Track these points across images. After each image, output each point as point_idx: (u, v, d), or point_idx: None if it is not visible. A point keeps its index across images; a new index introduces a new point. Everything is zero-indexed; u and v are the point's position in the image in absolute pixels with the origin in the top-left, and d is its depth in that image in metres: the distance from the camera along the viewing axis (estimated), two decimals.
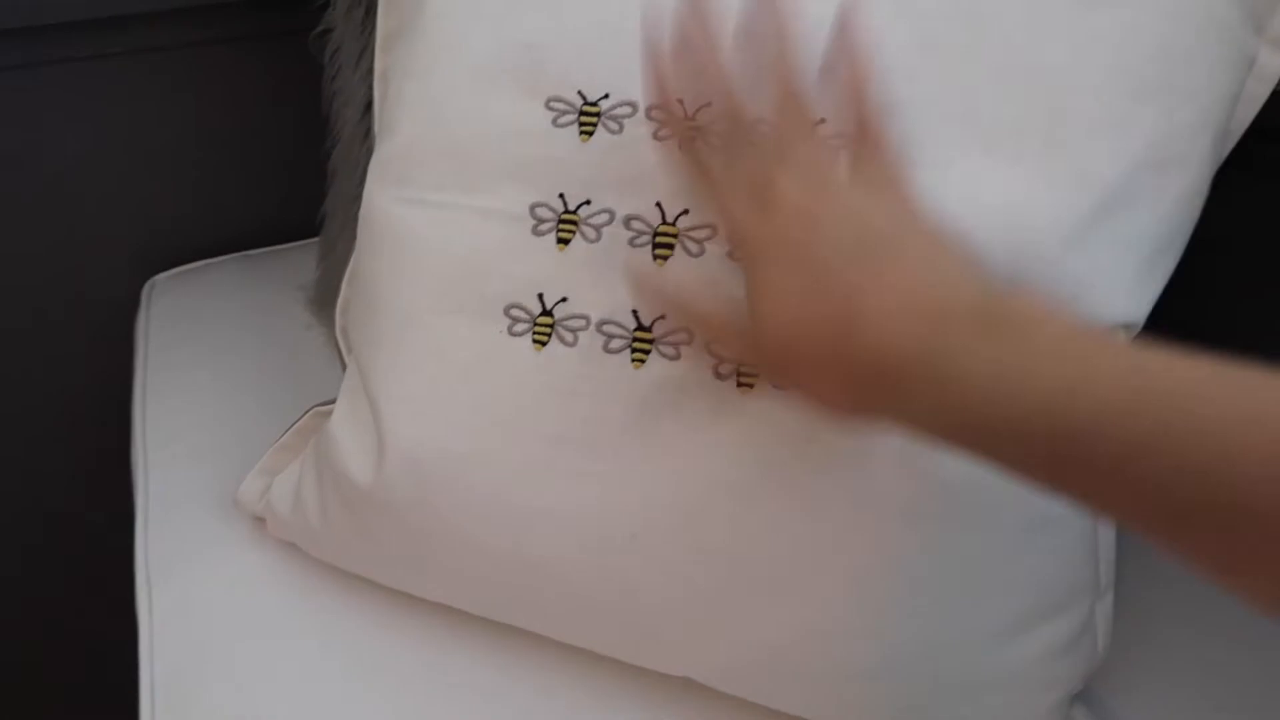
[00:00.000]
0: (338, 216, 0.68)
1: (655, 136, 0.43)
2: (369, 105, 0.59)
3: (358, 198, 0.56)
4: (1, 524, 0.91)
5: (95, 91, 0.77)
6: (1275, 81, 0.46)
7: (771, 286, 0.35)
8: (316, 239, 0.78)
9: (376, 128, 0.54)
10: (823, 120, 0.38)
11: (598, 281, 0.45)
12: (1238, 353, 0.29)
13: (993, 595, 0.44)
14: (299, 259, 0.81)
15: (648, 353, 0.44)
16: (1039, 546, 0.44)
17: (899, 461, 0.42)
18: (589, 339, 0.44)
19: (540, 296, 0.45)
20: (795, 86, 0.37)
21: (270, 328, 0.75)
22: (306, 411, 0.58)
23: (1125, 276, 0.43)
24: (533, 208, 0.46)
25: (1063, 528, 0.44)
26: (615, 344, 0.44)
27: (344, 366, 0.55)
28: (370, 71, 0.57)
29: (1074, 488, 0.30)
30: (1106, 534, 0.49)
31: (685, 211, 0.44)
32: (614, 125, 0.45)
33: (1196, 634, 0.54)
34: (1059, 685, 0.47)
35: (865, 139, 0.37)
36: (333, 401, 0.54)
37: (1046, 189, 0.42)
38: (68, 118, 0.77)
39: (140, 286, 0.82)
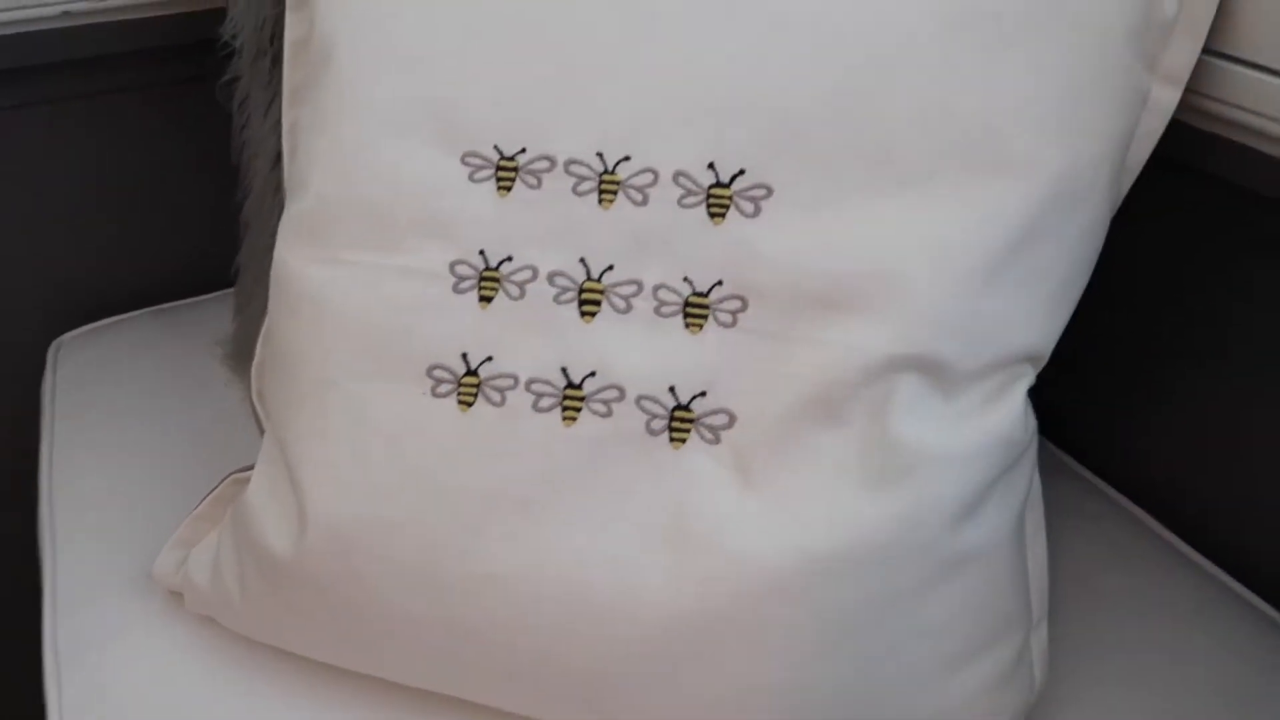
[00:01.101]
0: (251, 269, 0.67)
1: None
2: (279, 156, 0.58)
3: (271, 250, 0.55)
4: None
5: None
6: (1169, 116, 0.48)
7: None
8: (228, 290, 0.77)
9: (287, 183, 0.53)
10: None
11: (524, 339, 0.44)
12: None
13: (924, 634, 0.44)
14: (215, 311, 0.79)
15: (579, 410, 0.43)
16: (965, 583, 0.44)
17: (827, 509, 0.42)
18: (517, 398, 0.44)
19: (464, 356, 0.44)
20: None
21: (186, 387, 0.73)
22: (224, 479, 0.56)
23: (1036, 310, 0.45)
24: (452, 265, 0.45)
25: (988, 563, 0.45)
26: (545, 402, 0.44)
27: (261, 431, 0.53)
28: (279, 123, 0.56)
29: None
30: (1038, 566, 0.50)
31: (610, 268, 0.44)
32: (532, 180, 0.45)
33: (1134, 663, 0.55)
34: (999, 718, 0.48)
35: None
36: (251, 467, 0.52)
37: (961, 228, 0.43)
38: None
39: (46, 347, 0.80)
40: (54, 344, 0.80)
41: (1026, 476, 0.48)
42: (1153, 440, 0.67)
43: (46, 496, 0.66)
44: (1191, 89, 0.49)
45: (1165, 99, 0.48)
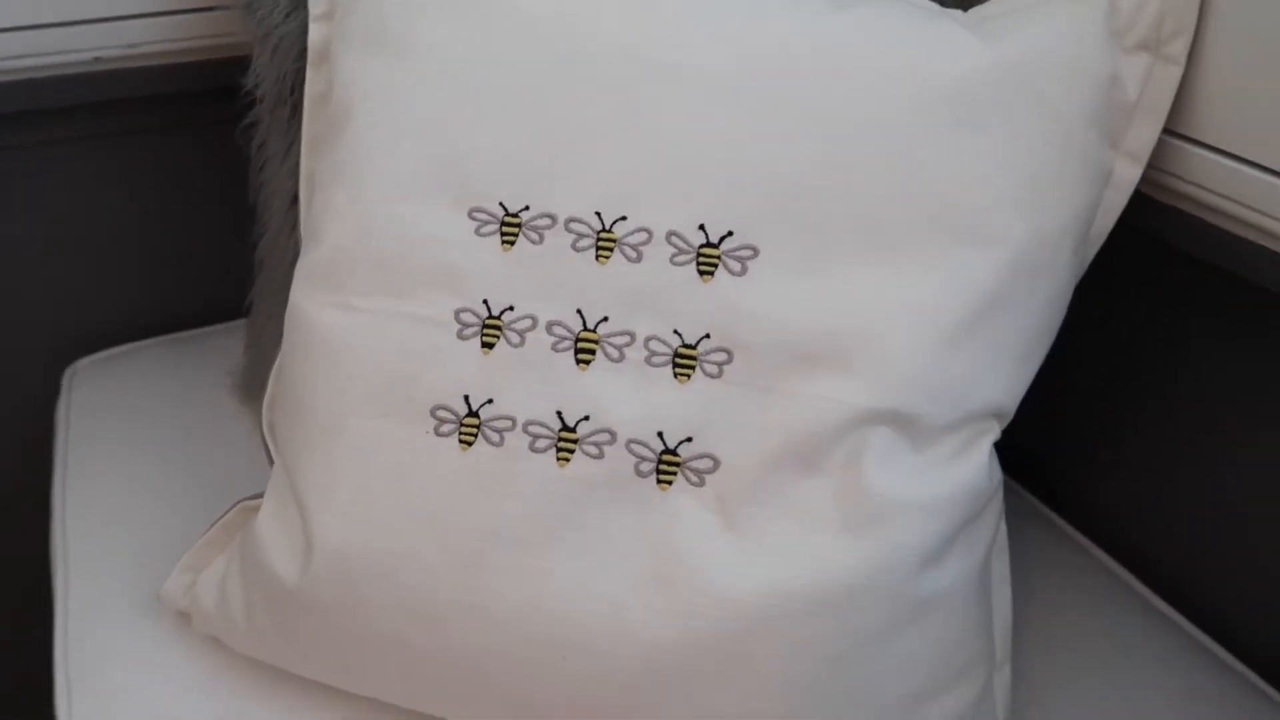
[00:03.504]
0: (264, 304, 0.70)
1: None
2: (295, 199, 0.61)
3: (284, 287, 0.58)
4: None
5: (11, 178, 0.78)
6: (1130, 190, 0.52)
7: None
8: (240, 320, 0.79)
9: (303, 230, 0.55)
10: None
11: (523, 384, 0.47)
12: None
13: (892, 671, 0.47)
14: (226, 342, 0.82)
15: (572, 452, 0.46)
16: (931, 624, 0.47)
17: (803, 551, 0.45)
18: (515, 439, 0.46)
19: (466, 398, 0.47)
20: None
21: (196, 415, 0.75)
22: (233, 505, 0.58)
23: (1002, 369, 0.48)
24: (457, 313, 0.48)
25: (953, 607, 0.48)
26: (541, 444, 0.46)
27: (271, 462, 0.55)
28: (296, 167, 0.59)
29: None
30: (1002, 610, 0.53)
31: (605, 319, 0.47)
32: (534, 235, 0.48)
33: (1095, 707, 0.58)
34: None
35: None
36: (260, 495, 0.54)
37: (932, 293, 0.46)
38: None
39: (61, 372, 0.82)
40: (69, 369, 0.82)
41: (992, 525, 0.50)
42: (1122, 489, 0.69)
43: (59, 518, 0.68)
44: (1153, 165, 0.52)
45: (1127, 175, 0.52)
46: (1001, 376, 0.48)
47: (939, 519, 0.46)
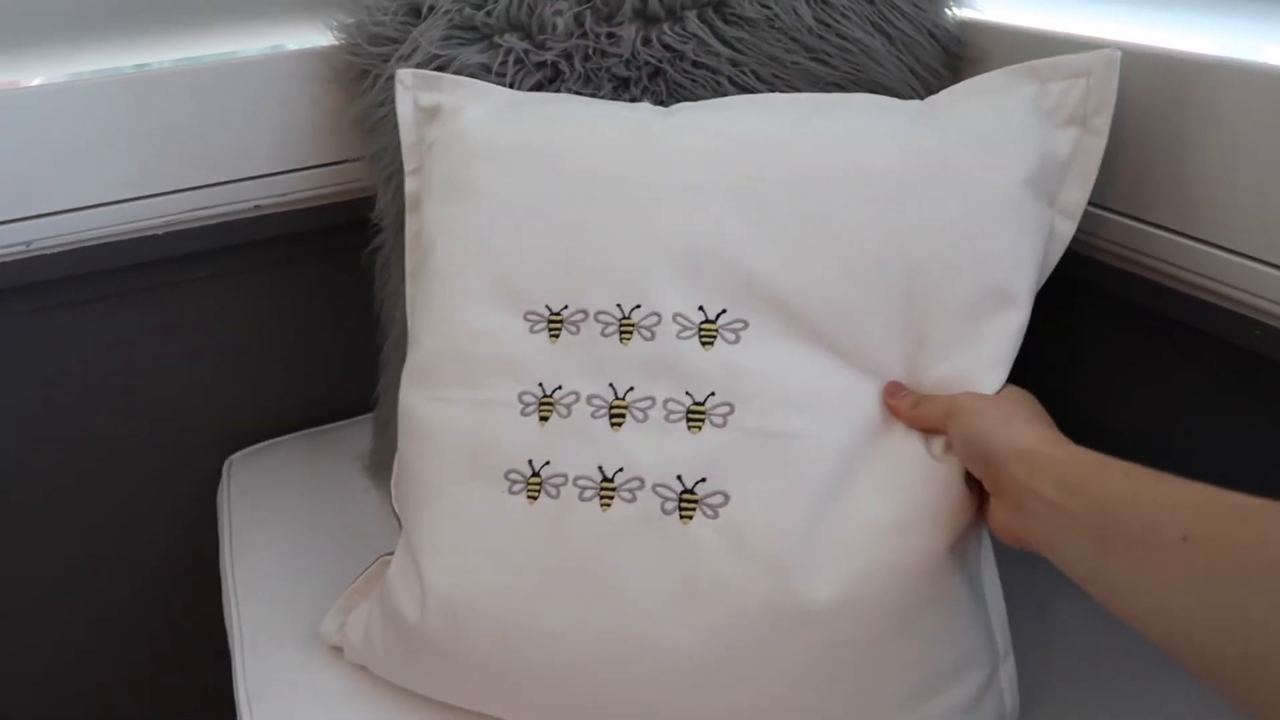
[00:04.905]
0: (389, 398, 0.81)
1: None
2: None
3: None
4: (106, 673, 1.02)
5: (184, 308, 0.91)
6: (1066, 242, 0.59)
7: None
8: (365, 415, 0.91)
9: (409, 340, 0.67)
10: None
11: (571, 447, 0.57)
12: None
13: (897, 668, 0.53)
14: (352, 433, 0.94)
15: (613, 498, 0.55)
16: (929, 625, 0.53)
17: (799, 565, 0.52)
18: (568, 492, 0.56)
19: (530, 462, 0.57)
20: None
21: (332, 492, 0.87)
22: (375, 560, 0.69)
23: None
24: (520, 395, 0.59)
25: (942, 609, 0.54)
26: (587, 494, 0.56)
27: (400, 526, 0.66)
28: None
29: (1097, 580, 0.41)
30: (996, 609, 0.58)
31: (631, 388, 0.57)
32: (573, 328, 0.58)
33: (1106, 688, 0.62)
34: None
35: None
36: (393, 552, 0.65)
37: (890, 350, 0.55)
38: (166, 331, 0.91)
39: (221, 463, 0.94)
40: (227, 461, 0.94)
41: (978, 530, 0.56)
42: None
43: (230, 580, 0.79)
44: (1087, 231, 0.60)
45: (1063, 230, 0.59)
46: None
47: (925, 535, 0.53)
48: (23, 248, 0.79)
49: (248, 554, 0.82)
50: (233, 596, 0.77)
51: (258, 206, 0.85)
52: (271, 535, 0.83)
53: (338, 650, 0.68)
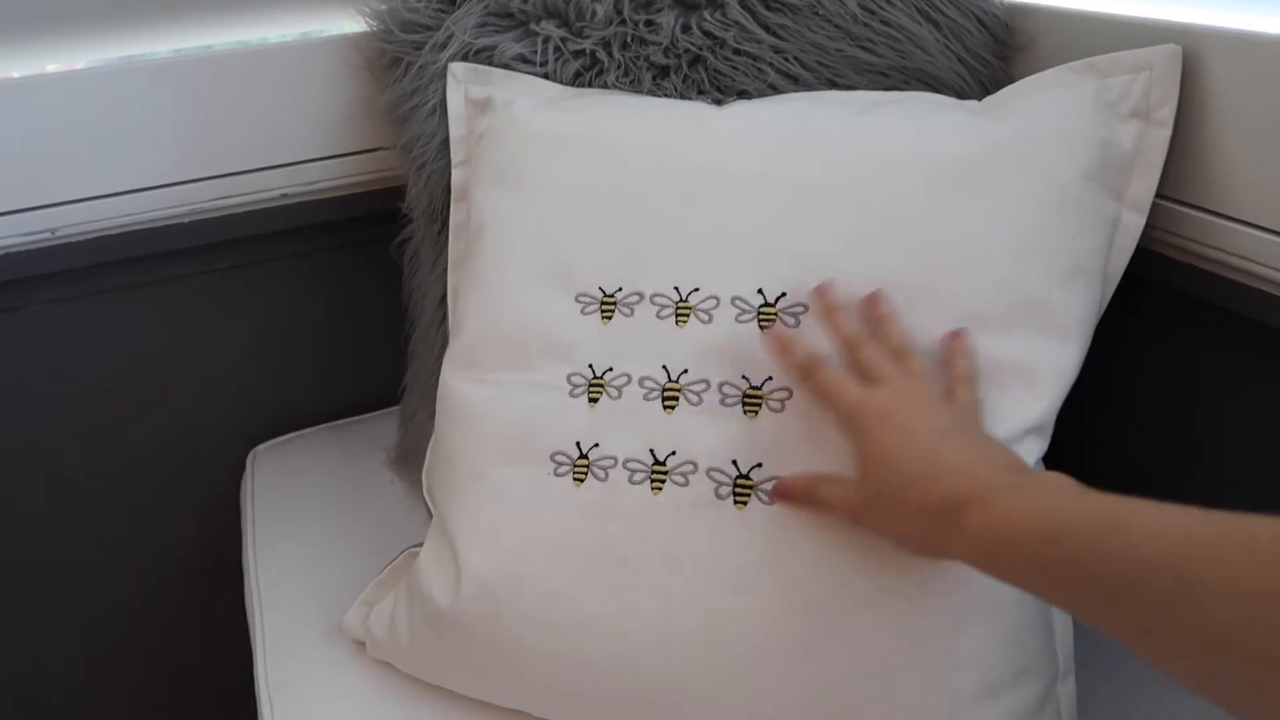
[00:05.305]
0: (416, 389, 0.81)
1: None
2: (443, 299, 0.72)
3: (433, 373, 0.68)
4: (130, 666, 1.02)
5: (209, 298, 0.91)
6: (1137, 235, 0.59)
7: (873, 450, 0.47)
8: (389, 409, 0.91)
9: (450, 327, 0.66)
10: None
11: (622, 429, 0.56)
12: None
13: (955, 666, 0.52)
14: (377, 426, 0.94)
15: (663, 482, 0.55)
16: (989, 625, 0.52)
17: (850, 555, 0.51)
18: (617, 475, 0.55)
19: (578, 444, 0.57)
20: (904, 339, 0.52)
21: (357, 485, 0.86)
22: (401, 553, 0.68)
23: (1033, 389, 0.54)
24: (569, 376, 0.58)
25: (1010, 609, 0.53)
26: (637, 477, 0.55)
27: (430, 518, 0.65)
28: (444, 274, 0.71)
29: (1062, 597, 0.40)
30: (1062, 623, 0.57)
31: (685, 371, 0.56)
32: (627, 310, 0.58)
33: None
34: None
35: (952, 376, 0.52)
36: (421, 545, 0.64)
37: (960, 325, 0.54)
38: (190, 320, 0.91)
39: (245, 455, 0.94)
40: (251, 453, 0.94)
41: None
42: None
43: (251, 571, 0.78)
44: (1160, 226, 0.59)
45: (1133, 222, 0.59)
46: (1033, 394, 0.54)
47: None
48: (47, 235, 0.79)
49: (271, 546, 0.81)
50: (255, 590, 0.77)
51: (285, 195, 0.84)
52: (295, 528, 0.83)
53: (361, 645, 0.67)
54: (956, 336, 0.53)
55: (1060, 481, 0.43)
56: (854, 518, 0.49)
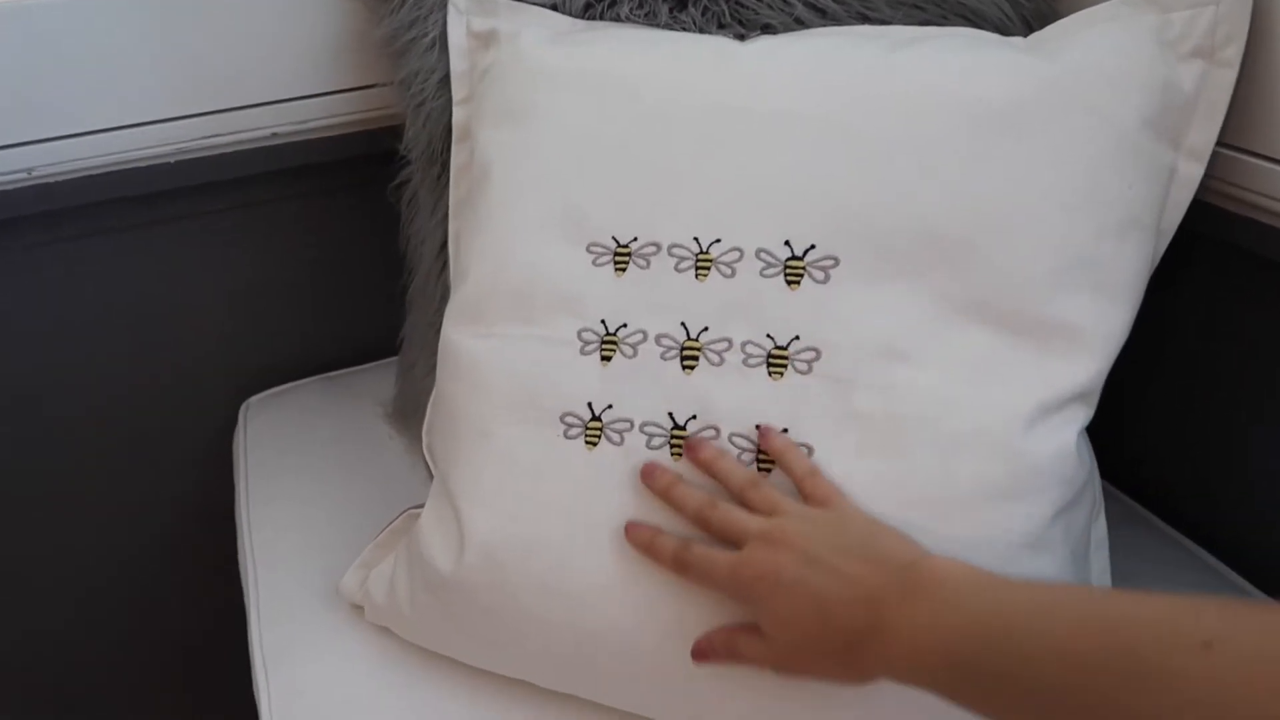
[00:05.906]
0: (415, 340, 0.78)
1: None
2: (443, 245, 0.69)
3: (433, 324, 0.65)
4: (121, 625, 1.00)
5: (197, 243, 0.87)
6: (1195, 186, 0.55)
7: (765, 616, 0.48)
8: (388, 359, 0.88)
9: (452, 277, 0.63)
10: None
11: (638, 390, 0.53)
12: None
13: None
14: (374, 378, 0.91)
15: (683, 447, 0.52)
16: None
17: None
18: (634, 438, 0.53)
19: (590, 405, 0.54)
20: (745, 475, 0.50)
21: (354, 439, 0.84)
22: (400, 514, 0.66)
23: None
24: (579, 333, 0.55)
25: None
26: (656, 441, 0.52)
27: (431, 477, 0.63)
28: (445, 219, 0.67)
29: (980, 704, 0.40)
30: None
31: (705, 329, 0.53)
32: (642, 262, 0.54)
33: None
34: None
35: (795, 478, 0.50)
36: (422, 505, 0.62)
37: (994, 288, 0.51)
38: (177, 266, 0.88)
39: (237, 407, 0.91)
40: (244, 405, 0.91)
41: (1086, 512, 0.53)
42: (1222, 494, 0.70)
43: (245, 529, 0.76)
44: (1215, 176, 0.55)
45: (1191, 172, 0.55)
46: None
47: (1027, 505, 0.49)
48: (24, 175, 0.76)
49: (265, 503, 0.79)
50: (248, 548, 0.75)
51: (275, 134, 0.81)
52: (290, 484, 0.80)
53: (359, 609, 0.65)
54: (766, 437, 0.51)
55: (946, 571, 0.44)
56: (776, 670, 0.49)
